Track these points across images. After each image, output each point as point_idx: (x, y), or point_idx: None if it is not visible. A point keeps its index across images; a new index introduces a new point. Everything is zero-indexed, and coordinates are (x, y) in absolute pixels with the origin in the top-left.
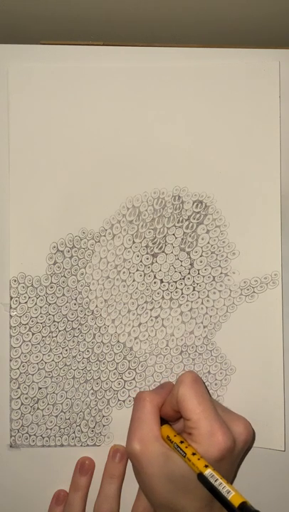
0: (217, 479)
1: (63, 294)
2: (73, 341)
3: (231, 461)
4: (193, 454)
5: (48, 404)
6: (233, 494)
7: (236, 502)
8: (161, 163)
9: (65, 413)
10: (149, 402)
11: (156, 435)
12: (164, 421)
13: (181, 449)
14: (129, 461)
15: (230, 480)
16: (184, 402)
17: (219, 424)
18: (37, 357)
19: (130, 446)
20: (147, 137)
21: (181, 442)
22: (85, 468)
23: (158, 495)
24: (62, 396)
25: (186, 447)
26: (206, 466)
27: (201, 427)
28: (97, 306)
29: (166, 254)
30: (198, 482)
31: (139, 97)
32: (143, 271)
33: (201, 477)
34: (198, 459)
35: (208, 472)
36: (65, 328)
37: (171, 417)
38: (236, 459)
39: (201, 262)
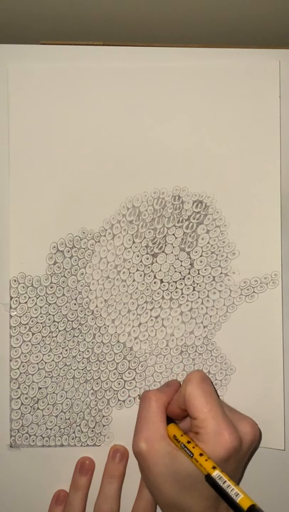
0: (225, 481)
1: (63, 294)
2: (73, 341)
3: (237, 461)
4: (201, 454)
5: (48, 404)
6: (241, 497)
7: (245, 505)
8: (161, 163)
9: (65, 413)
10: (155, 401)
11: (163, 434)
12: (170, 420)
13: (188, 449)
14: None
15: (237, 480)
16: (192, 401)
17: (226, 424)
18: (37, 357)
19: (136, 445)
20: (147, 137)
21: (188, 442)
22: (85, 468)
23: (164, 494)
24: (62, 396)
25: (194, 447)
26: (214, 468)
27: (207, 426)
28: (97, 306)
29: (166, 254)
30: (204, 482)
31: (139, 96)
32: (143, 271)
33: (209, 478)
34: (206, 460)
35: (216, 474)
36: (65, 328)
37: (177, 415)
38: (243, 459)
39: (201, 262)
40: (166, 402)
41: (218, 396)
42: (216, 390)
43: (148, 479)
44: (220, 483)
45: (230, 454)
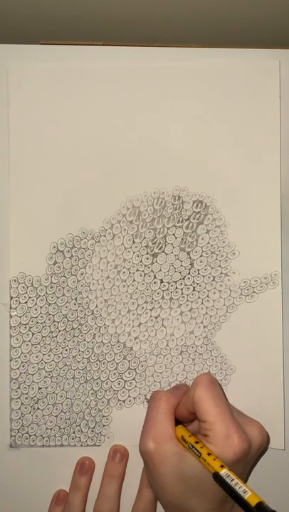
0: (233, 479)
1: (63, 294)
2: (73, 341)
3: (245, 464)
4: (209, 454)
5: (48, 404)
6: (249, 494)
7: (253, 502)
8: (161, 163)
9: (65, 413)
10: (164, 401)
11: (171, 435)
12: (178, 422)
13: (196, 449)
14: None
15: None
16: (200, 404)
17: (235, 427)
18: (37, 357)
19: (144, 444)
20: (147, 137)
21: (196, 443)
22: (85, 468)
23: (169, 494)
24: (62, 396)
25: (201, 447)
26: (222, 466)
27: (216, 429)
28: (97, 306)
29: (166, 254)
30: (210, 483)
31: (139, 96)
32: (143, 271)
33: (216, 477)
34: (214, 459)
35: (224, 472)
36: (65, 328)
37: (185, 418)
38: (250, 462)
39: (201, 262)
40: (176, 404)
41: (227, 399)
42: (224, 393)
43: (153, 479)
44: (228, 481)
45: (239, 457)
